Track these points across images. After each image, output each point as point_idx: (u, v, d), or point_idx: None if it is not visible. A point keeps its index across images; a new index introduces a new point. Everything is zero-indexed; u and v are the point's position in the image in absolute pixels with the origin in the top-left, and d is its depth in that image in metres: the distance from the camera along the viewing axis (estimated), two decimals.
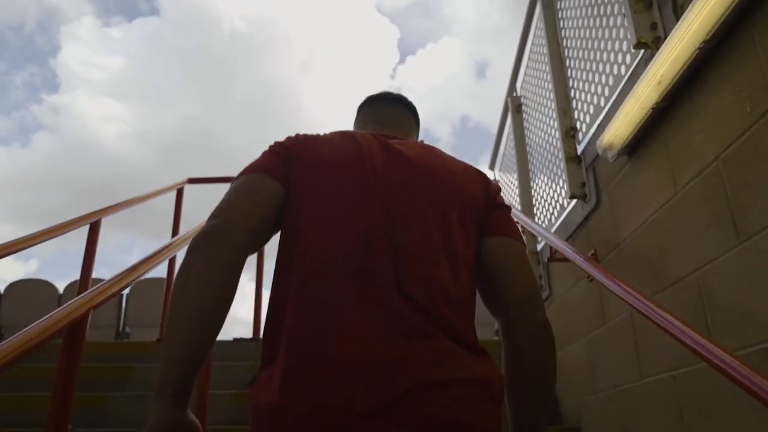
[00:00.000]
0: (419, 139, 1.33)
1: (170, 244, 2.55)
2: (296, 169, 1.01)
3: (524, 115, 3.89)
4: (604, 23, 2.36)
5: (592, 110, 2.53)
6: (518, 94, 4.02)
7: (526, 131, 3.85)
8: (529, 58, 3.72)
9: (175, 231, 4.04)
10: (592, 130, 2.53)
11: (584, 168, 2.63)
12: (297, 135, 1.10)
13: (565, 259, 2.41)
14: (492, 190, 1.10)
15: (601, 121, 2.40)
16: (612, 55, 2.29)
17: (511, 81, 4.10)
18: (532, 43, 3.60)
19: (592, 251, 2.49)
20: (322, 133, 1.11)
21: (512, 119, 4.00)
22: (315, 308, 0.86)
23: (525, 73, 3.86)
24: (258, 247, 0.98)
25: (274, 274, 0.96)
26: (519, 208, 3.68)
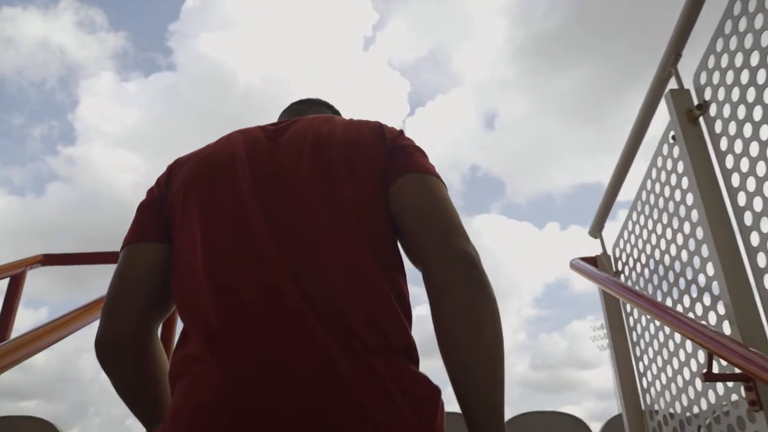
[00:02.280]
0: None
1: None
2: (171, 203, 0.97)
3: (716, 127, 1.76)
4: None
5: None
6: (702, 83, 1.84)
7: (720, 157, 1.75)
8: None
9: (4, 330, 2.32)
10: None
11: None
12: (172, 163, 1.05)
13: None
14: (389, 133, 0.99)
15: None
16: None
17: (669, 59, 1.97)
18: None
19: None
20: (204, 146, 1.05)
21: (680, 133, 1.88)
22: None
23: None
24: (160, 316, 0.97)
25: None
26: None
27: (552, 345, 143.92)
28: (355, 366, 0.73)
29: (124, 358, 0.92)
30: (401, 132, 1.02)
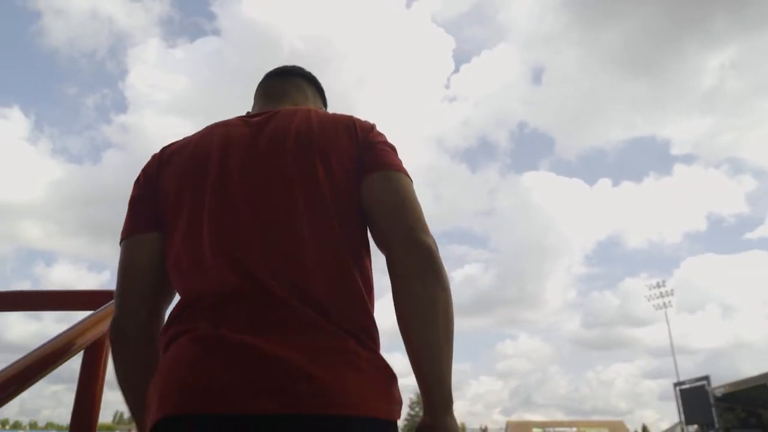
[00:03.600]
0: (320, 106, 1.34)
1: None
2: (162, 193, 1.06)
3: None
4: None
5: None
6: None
7: None
8: None
9: None
10: None
11: None
12: (157, 153, 1.13)
13: None
14: (361, 129, 1.08)
15: None
16: None
17: None
18: None
19: None
20: (186, 137, 1.14)
21: None
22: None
23: None
24: (166, 302, 1.07)
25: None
26: None
27: (604, 303, 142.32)
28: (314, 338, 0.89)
29: (135, 343, 1.03)
30: (373, 127, 1.11)
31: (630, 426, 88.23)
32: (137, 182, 1.12)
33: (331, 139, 1.05)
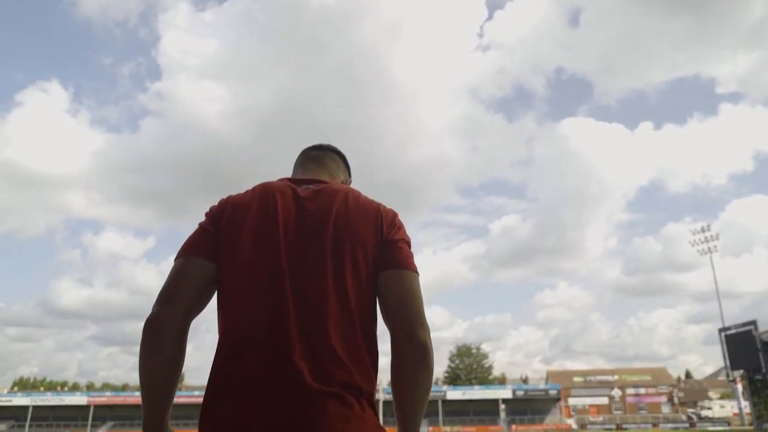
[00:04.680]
0: (346, 179, 1.66)
1: None
2: (221, 240, 1.34)
3: None
4: None
5: None
6: None
7: None
8: None
9: None
10: None
11: None
12: (223, 201, 1.42)
13: None
14: (385, 225, 1.37)
15: None
16: None
17: None
18: None
19: None
20: (244, 192, 1.42)
21: None
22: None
23: None
24: (196, 314, 1.32)
25: (219, 336, 1.30)
26: None
27: (646, 249, 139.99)
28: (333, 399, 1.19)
29: (165, 341, 1.24)
30: (393, 219, 1.41)
31: (673, 372, 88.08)
32: (205, 221, 1.41)
33: (361, 231, 1.34)
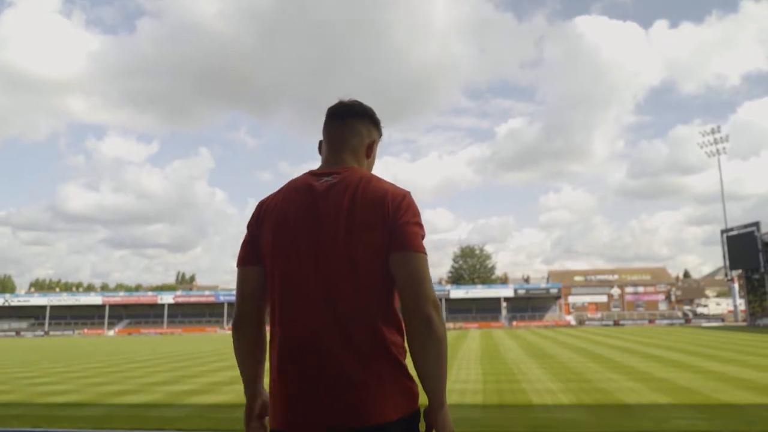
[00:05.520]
0: (375, 140, 1.76)
1: None
2: (260, 242, 1.62)
3: None
4: None
5: None
6: None
7: None
8: None
9: None
10: None
11: None
12: (257, 208, 1.68)
13: None
14: (391, 210, 1.51)
15: None
16: None
17: None
18: None
19: None
20: (276, 192, 1.68)
21: None
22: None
23: None
24: (265, 302, 1.65)
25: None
26: None
27: (653, 152, 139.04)
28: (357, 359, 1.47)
29: (248, 330, 1.64)
30: (402, 201, 1.54)
31: (672, 271, 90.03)
32: (247, 233, 1.66)
33: (371, 220, 1.50)
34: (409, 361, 1.52)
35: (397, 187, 1.58)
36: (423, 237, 1.53)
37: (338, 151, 1.69)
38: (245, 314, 1.62)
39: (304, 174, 1.66)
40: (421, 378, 1.49)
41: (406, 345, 1.54)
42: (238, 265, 1.64)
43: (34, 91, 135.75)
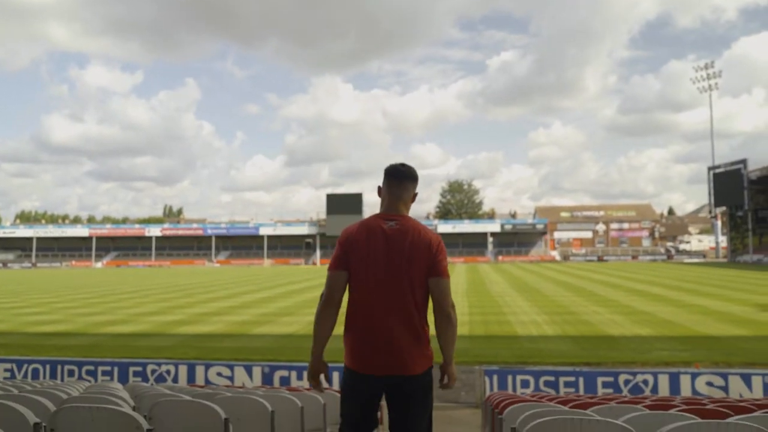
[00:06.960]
0: (414, 194, 2.81)
1: None
2: (349, 259, 2.59)
3: None
4: None
5: None
6: None
7: None
8: None
9: None
10: None
11: None
12: (344, 235, 2.66)
13: None
14: (433, 250, 2.57)
15: None
16: None
17: None
18: None
19: None
20: (356, 229, 2.65)
21: None
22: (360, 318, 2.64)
23: None
24: (344, 294, 2.61)
25: (348, 302, 2.61)
26: None
27: (645, 88, 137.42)
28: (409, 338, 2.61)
29: (334, 310, 2.59)
30: (438, 244, 2.62)
31: (657, 209, 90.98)
32: (340, 247, 2.63)
33: (422, 254, 2.55)
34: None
35: (435, 235, 2.63)
36: (447, 264, 2.62)
37: (396, 202, 2.71)
38: (334, 300, 2.58)
39: (375, 217, 2.68)
40: (441, 346, 2.60)
41: (429, 328, 2.61)
42: (331, 269, 2.62)
43: (14, 17, 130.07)
